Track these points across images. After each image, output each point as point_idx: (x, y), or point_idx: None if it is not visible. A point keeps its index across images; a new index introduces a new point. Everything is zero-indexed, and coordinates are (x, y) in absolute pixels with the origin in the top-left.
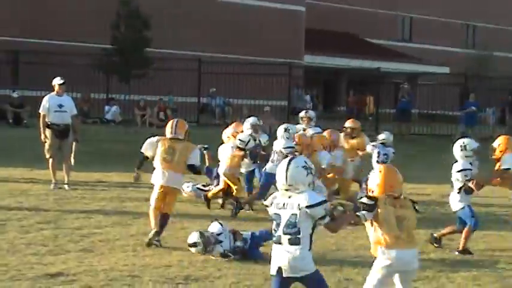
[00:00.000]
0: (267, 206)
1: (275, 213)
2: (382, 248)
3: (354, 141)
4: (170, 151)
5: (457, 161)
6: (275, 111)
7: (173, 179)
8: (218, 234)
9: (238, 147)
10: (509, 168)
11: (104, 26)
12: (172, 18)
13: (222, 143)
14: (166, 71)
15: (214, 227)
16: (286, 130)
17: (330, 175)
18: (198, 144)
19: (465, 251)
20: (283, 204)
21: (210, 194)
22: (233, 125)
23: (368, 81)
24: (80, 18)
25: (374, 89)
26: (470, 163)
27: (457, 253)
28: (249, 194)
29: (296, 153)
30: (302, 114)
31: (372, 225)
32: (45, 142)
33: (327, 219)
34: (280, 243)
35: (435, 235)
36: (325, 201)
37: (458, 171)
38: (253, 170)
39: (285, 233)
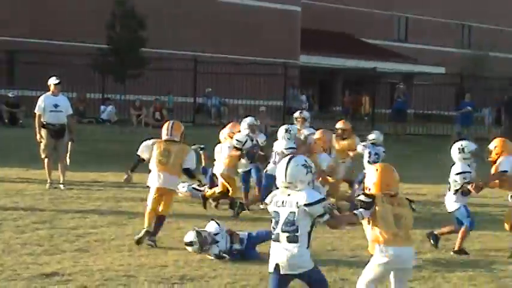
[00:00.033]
0: (266, 204)
1: (274, 211)
2: (380, 245)
3: (344, 143)
4: (166, 153)
5: (454, 163)
6: (271, 111)
7: (169, 181)
8: (215, 234)
9: (235, 147)
10: (506, 171)
11: (100, 26)
12: (167, 18)
13: (219, 143)
14: (161, 71)
15: (211, 227)
16: (287, 131)
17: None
18: (194, 145)
19: (461, 251)
20: (282, 202)
21: (208, 193)
22: (230, 125)
23: (364, 81)
24: (75, 19)
25: (370, 89)
26: (469, 165)
27: (452, 253)
28: (246, 194)
29: None
30: (296, 114)
31: (369, 224)
32: (41, 142)
33: (326, 216)
34: (278, 241)
35: (435, 232)
36: (323, 199)
37: (457, 174)
38: (250, 170)
39: (283, 231)
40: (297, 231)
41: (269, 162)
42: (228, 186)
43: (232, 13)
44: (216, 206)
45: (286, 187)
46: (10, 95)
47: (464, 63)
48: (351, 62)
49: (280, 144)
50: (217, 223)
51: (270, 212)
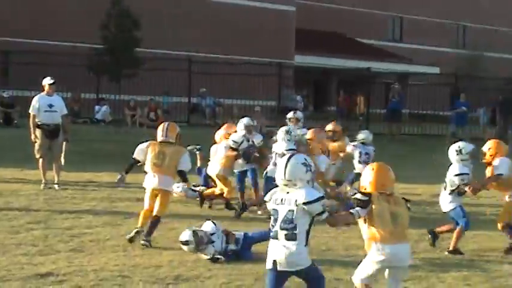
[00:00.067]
0: (266, 202)
1: (273, 209)
2: (377, 243)
3: (335, 144)
4: (161, 155)
5: (451, 164)
6: (265, 111)
7: (164, 182)
8: (211, 234)
9: (231, 148)
10: (502, 174)
11: (94, 26)
12: (162, 18)
13: (214, 143)
14: (156, 71)
15: (207, 226)
16: (287, 132)
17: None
18: (189, 145)
19: (456, 251)
20: (281, 200)
21: (206, 192)
22: (225, 126)
23: (358, 81)
24: (70, 19)
25: (364, 89)
26: (467, 166)
27: (447, 253)
28: (242, 194)
29: None
30: (290, 115)
31: (366, 222)
32: (35, 142)
33: (325, 214)
34: (276, 238)
35: (435, 230)
36: (322, 198)
37: (456, 175)
38: (246, 171)
39: (281, 229)
40: (296, 229)
41: (266, 163)
42: (223, 186)
43: (226, 13)
44: (210, 206)
45: (286, 185)
46: (5, 95)
47: (459, 63)
48: (346, 62)
49: (281, 146)
50: (213, 223)
51: (269, 209)
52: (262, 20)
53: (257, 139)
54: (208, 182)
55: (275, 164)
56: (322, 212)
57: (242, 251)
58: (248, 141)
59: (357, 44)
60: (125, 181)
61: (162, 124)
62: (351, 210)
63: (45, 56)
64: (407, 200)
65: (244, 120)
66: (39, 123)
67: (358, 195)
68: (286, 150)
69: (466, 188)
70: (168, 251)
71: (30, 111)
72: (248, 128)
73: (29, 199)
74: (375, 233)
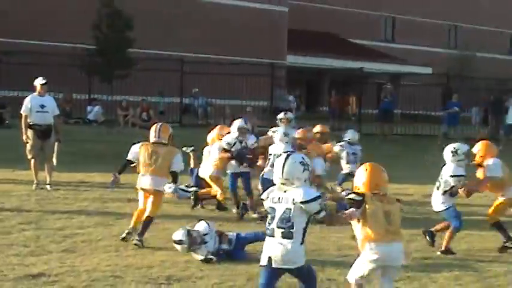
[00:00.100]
0: (263, 200)
1: (270, 207)
2: (371, 243)
3: (323, 146)
4: (153, 156)
5: (445, 164)
6: (258, 111)
7: (156, 182)
8: (204, 235)
9: (224, 149)
10: (494, 176)
11: (86, 26)
12: (154, 19)
13: (206, 144)
14: (148, 71)
15: (201, 226)
16: (285, 135)
17: None
18: (183, 146)
19: (447, 251)
20: (279, 198)
21: (201, 192)
22: (218, 127)
23: (351, 81)
24: (62, 19)
25: (357, 90)
26: (462, 168)
27: (439, 253)
28: (234, 194)
29: None
30: (281, 115)
31: (359, 222)
32: (27, 142)
33: (323, 213)
34: (273, 236)
35: (431, 229)
36: (320, 197)
37: (452, 176)
38: (239, 173)
39: (278, 227)
40: (292, 228)
41: (259, 165)
42: (216, 188)
43: (219, 13)
44: (202, 207)
45: (283, 184)
46: None
47: (451, 63)
48: (338, 62)
49: (279, 148)
50: (207, 223)
51: (266, 207)
52: (254, 20)
53: (250, 141)
54: (200, 182)
55: (272, 165)
56: (320, 211)
57: (235, 251)
58: (241, 143)
59: (349, 45)
60: (118, 182)
61: (155, 125)
62: (345, 211)
63: (36, 57)
64: (398, 200)
65: (238, 123)
66: (31, 123)
67: (352, 196)
68: (284, 152)
69: (460, 190)
70: (161, 251)
71: (22, 111)
72: (241, 130)
73: (20, 200)
74: (368, 232)
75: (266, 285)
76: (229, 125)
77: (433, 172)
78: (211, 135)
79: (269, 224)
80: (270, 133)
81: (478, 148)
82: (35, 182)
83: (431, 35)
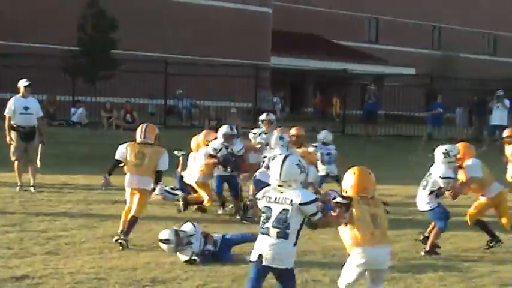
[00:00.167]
0: (258, 199)
1: (266, 206)
2: (358, 246)
3: (299, 150)
4: (140, 156)
5: (433, 164)
6: (242, 112)
7: (143, 182)
8: (190, 235)
9: (210, 155)
10: (475, 177)
11: (70, 27)
12: (138, 20)
13: (190, 148)
14: (132, 72)
15: (187, 227)
16: (281, 138)
17: None
18: (174, 149)
19: (432, 251)
20: (275, 199)
21: (191, 197)
22: (203, 132)
23: (335, 82)
24: (45, 20)
25: (341, 91)
26: (452, 170)
27: (424, 254)
28: (219, 195)
29: None
30: (263, 117)
31: (346, 226)
32: (11, 144)
33: (319, 215)
34: (267, 235)
35: (426, 235)
36: (317, 199)
37: (442, 178)
38: (225, 176)
39: (274, 226)
40: (288, 228)
41: (245, 169)
42: (203, 193)
43: (203, 15)
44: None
45: (280, 185)
46: None
47: (434, 64)
48: (322, 63)
49: (274, 151)
50: (193, 224)
51: (260, 207)
52: (238, 22)
53: (236, 147)
54: (184, 186)
55: (267, 167)
56: (316, 213)
57: (220, 253)
58: (227, 148)
59: (333, 46)
60: (109, 183)
61: (141, 125)
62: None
63: (20, 58)
64: (385, 203)
65: (224, 129)
66: (14, 125)
67: (339, 199)
68: (280, 154)
69: (447, 193)
70: (145, 252)
71: (5, 113)
72: (227, 136)
73: (4, 202)
74: (355, 236)
75: (255, 280)
76: (211, 127)
77: (417, 172)
78: (196, 141)
79: (264, 223)
80: (250, 135)
81: (458, 149)
82: (19, 184)
83: (415, 36)
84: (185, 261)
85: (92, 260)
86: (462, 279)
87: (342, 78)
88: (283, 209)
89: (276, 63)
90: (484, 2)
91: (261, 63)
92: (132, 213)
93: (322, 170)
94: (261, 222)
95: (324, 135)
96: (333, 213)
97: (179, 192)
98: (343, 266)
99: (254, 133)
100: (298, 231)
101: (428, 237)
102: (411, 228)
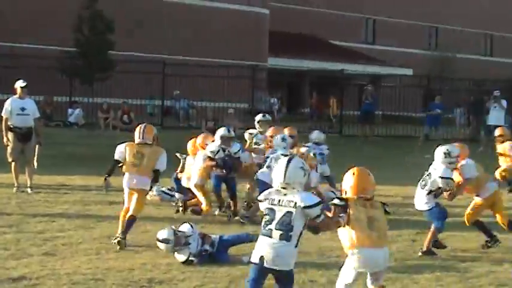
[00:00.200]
0: (260, 201)
1: (268, 208)
2: (354, 248)
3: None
4: (138, 156)
5: (431, 164)
6: (239, 113)
7: (141, 182)
8: (188, 236)
9: (209, 158)
10: (471, 178)
11: (67, 28)
12: (135, 21)
13: (187, 147)
14: (130, 73)
15: (184, 228)
16: (283, 139)
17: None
18: (178, 152)
19: (429, 252)
20: (279, 201)
21: (191, 202)
22: (201, 136)
23: (332, 83)
24: (42, 21)
25: (338, 91)
26: (452, 170)
27: (420, 254)
28: (218, 195)
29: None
30: (259, 117)
31: (344, 226)
32: (8, 145)
33: (321, 217)
34: (270, 236)
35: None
36: (321, 202)
37: (442, 178)
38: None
39: (277, 229)
40: (291, 231)
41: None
42: (202, 198)
43: (200, 16)
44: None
45: (284, 188)
46: None
47: (432, 64)
48: (319, 64)
49: (277, 152)
50: (190, 225)
51: (263, 209)
52: (235, 23)
53: (234, 149)
54: (181, 188)
55: (268, 167)
56: (319, 216)
57: (217, 254)
58: (224, 151)
59: (330, 46)
60: (110, 184)
61: (139, 126)
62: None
63: (17, 59)
64: (385, 204)
65: (221, 131)
66: (11, 126)
67: (336, 201)
68: (283, 155)
69: (445, 193)
70: (142, 253)
71: (2, 114)
72: (224, 139)
73: (1, 203)
74: (352, 237)
75: (255, 281)
76: (208, 128)
77: (414, 173)
78: (193, 145)
79: (266, 224)
80: (246, 135)
81: None
82: (16, 185)
83: (412, 37)
84: (182, 262)
85: (89, 261)
86: (459, 279)
87: (339, 78)
88: (287, 212)
89: (273, 63)
90: (481, 3)
91: (258, 63)
92: (130, 212)
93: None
94: (263, 224)
95: (316, 135)
96: (329, 214)
97: (177, 194)
98: (340, 267)
99: (250, 133)
100: (301, 233)
101: (436, 240)
102: (408, 228)
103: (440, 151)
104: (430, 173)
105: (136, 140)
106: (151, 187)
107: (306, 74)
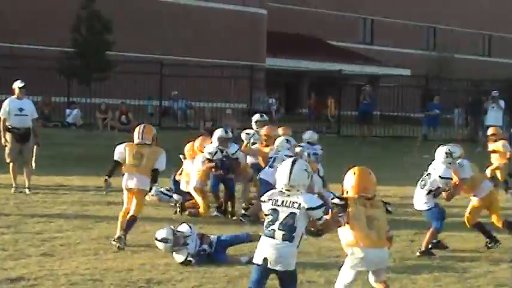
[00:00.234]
0: (263, 202)
1: (272, 209)
2: (353, 247)
3: (267, 149)
4: (138, 156)
5: (431, 163)
6: (237, 113)
7: (141, 182)
8: (186, 237)
9: (208, 159)
10: (467, 178)
11: (65, 29)
12: (133, 21)
13: (185, 147)
14: (127, 74)
15: (183, 229)
16: (287, 141)
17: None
18: (178, 153)
19: (427, 252)
20: (282, 202)
21: (189, 204)
22: (200, 139)
23: (330, 83)
24: (40, 22)
25: (336, 91)
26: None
27: (419, 254)
28: (216, 195)
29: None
30: (256, 117)
31: (344, 225)
32: (6, 146)
33: (324, 219)
34: (272, 237)
35: (433, 241)
36: (324, 204)
37: (441, 178)
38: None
39: (280, 229)
40: (294, 231)
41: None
42: (200, 201)
43: (198, 16)
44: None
45: (288, 190)
46: None
47: (430, 65)
48: (317, 64)
49: (281, 153)
50: (189, 226)
51: (266, 210)
52: (233, 23)
53: (231, 150)
54: (179, 188)
55: (271, 167)
56: (322, 218)
57: (216, 254)
58: (222, 152)
59: (328, 47)
60: (111, 185)
61: (138, 126)
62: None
63: (15, 60)
64: (386, 203)
65: (218, 133)
66: (9, 127)
67: (336, 200)
68: (286, 156)
69: (444, 193)
70: (140, 254)
71: (0, 114)
72: (221, 140)
73: None
74: (351, 237)
75: (258, 282)
76: (206, 128)
77: (412, 173)
78: (190, 148)
79: (269, 225)
80: (243, 135)
81: None
82: (14, 185)
83: (410, 37)
84: (180, 263)
85: (87, 261)
86: (458, 279)
87: (337, 79)
88: (291, 213)
89: (271, 64)
90: (479, 3)
91: (256, 64)
92: (131, 212)
93: None
94: (265, 224)
95: (309, 135)
96: (326, 217)
97: (175, 195)
98: (340, 267)
99: (247, 133)
100: (303, 234)
101: (439, 241)
102: (406, 229)
103: (441, 151)
104: (429, 173)
105: (136, 140)
106: (150, 188)
107: (304, 74)
